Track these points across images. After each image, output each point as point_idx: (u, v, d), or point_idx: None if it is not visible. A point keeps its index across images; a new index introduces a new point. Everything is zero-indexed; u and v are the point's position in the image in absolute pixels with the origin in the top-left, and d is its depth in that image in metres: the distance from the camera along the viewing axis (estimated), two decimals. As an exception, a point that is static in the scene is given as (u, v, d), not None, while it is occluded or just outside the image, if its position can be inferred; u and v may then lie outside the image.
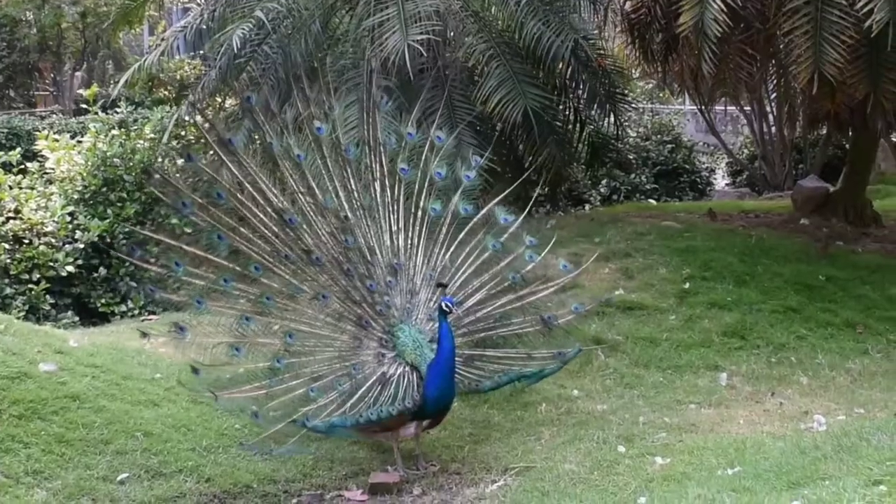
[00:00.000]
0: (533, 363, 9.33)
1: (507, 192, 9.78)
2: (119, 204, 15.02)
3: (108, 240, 14.58)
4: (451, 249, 9.16)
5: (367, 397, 8.45)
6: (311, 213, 8.89)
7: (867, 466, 6.15)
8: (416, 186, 9.21)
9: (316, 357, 8.73)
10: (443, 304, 8.37)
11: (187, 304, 9.08)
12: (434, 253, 9.11)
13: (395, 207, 9.12)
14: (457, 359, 8.64)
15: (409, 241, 9.07)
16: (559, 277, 9.54)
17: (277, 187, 8.96)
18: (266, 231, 8.85)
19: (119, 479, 8.19)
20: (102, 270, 14.51)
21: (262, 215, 8.84)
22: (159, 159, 16.00)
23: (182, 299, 9.15)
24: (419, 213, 9.16)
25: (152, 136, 16.51)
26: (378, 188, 9.11)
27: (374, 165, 9.17)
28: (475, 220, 9.29)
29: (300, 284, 8.87)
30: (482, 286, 9.17)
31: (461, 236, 9.21)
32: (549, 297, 9.41)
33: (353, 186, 9.03)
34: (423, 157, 9.33)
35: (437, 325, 8.55)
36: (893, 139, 23.49)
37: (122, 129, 16.70)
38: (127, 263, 14.45)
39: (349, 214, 8.92)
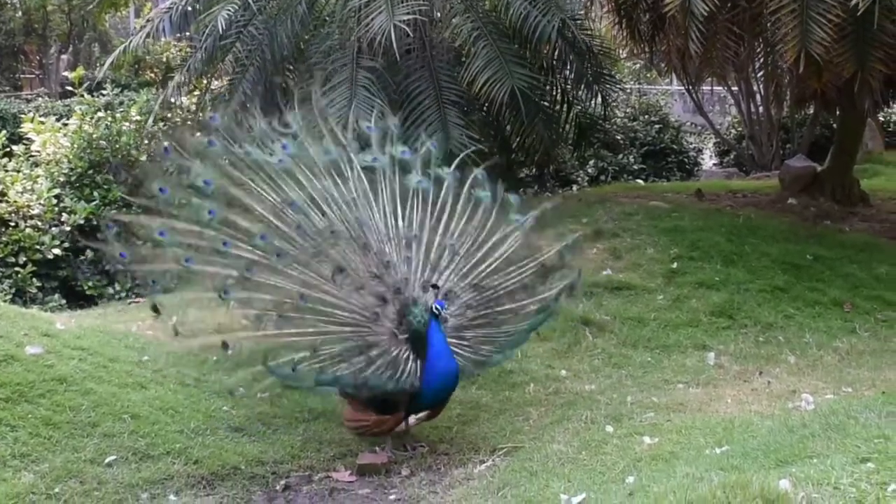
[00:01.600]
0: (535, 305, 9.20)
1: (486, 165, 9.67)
2: (105, 186, 14.98)
3: (95, 222, 14.52)
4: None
5: (374, 364, 8.39)
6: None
7: (855, 444, 6.16)
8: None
9: (332, 317, 8.56)
10: (433, 307, 8.28)
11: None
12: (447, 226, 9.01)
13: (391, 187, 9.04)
14: (467, 340, 8.72)
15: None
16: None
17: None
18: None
19: (106, 461, 8.15)
20: (89, 253, 14.45)
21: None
22: (145, 141, 15.96)
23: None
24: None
25: (138, 118, 16.46)
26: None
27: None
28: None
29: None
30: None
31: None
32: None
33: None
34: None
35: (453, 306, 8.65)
36: (880, 118, 23.57)
37: (108, 112, 16.65)
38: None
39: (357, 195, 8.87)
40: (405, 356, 8.47)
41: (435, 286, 8.54)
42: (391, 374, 8.40)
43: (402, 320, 8.55)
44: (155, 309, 9.05)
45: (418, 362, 8.44)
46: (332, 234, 8.67)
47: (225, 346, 8.54)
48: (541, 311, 9.18)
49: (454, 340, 8.59)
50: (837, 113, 18.63)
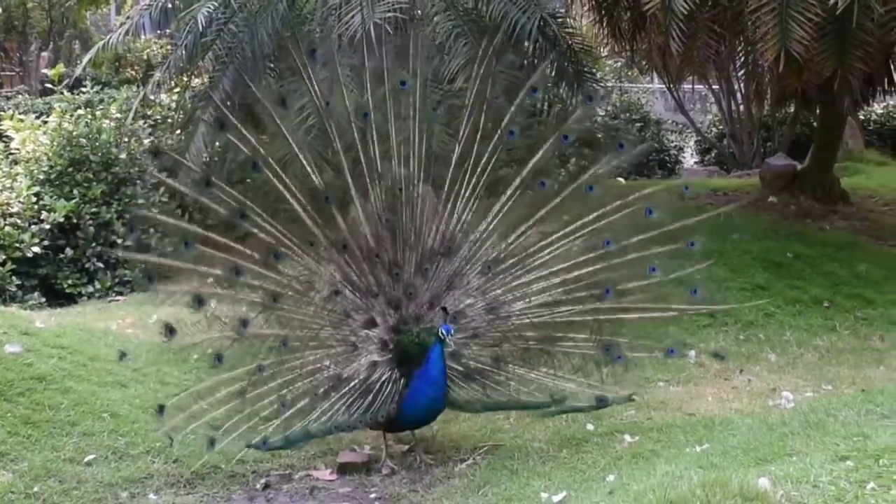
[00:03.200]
0: (557, 395, 8.55)
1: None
2: (85, 184, 14.90)
3: (75, 220, 14.46)
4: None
5: (338, 406, 8.15)
6: (353, 189, 8.25)
7: (834, 442, 6.16)
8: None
9: (303, 360, 8.26)
10: (440, 332, 7.90)
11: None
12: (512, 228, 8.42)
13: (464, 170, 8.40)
14: (457, 372, 8.33)
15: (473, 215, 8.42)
16: (682, 303, 8.74)
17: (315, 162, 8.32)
18: (300, 211, 8.23)
19: (86, 460, 8.15)
20: (69, 251, 14.39)
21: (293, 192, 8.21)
22: (125, 139, 15.91)
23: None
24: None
25: (118, 115, 16.40)
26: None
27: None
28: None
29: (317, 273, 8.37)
30: (557, 284, 8.39)
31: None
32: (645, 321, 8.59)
33: (423, 152, 8.36)
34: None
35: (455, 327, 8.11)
36: (860, 116, 23.63)
37: (88, 109, 16.58)
38: (94, 244, 14.37)
39: (403, 185, 8.31)
40: (384, 378, 8.26)
41: (444, 309, 8.19)
42: (363, 403, 8.19)
43: (392, 337, 8.32)
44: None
45: (401, 381, 8.24)
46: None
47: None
48: (552, 401, 8.55)
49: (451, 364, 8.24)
50: (817, 111, 18.69)
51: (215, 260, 8.18)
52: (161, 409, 8.17)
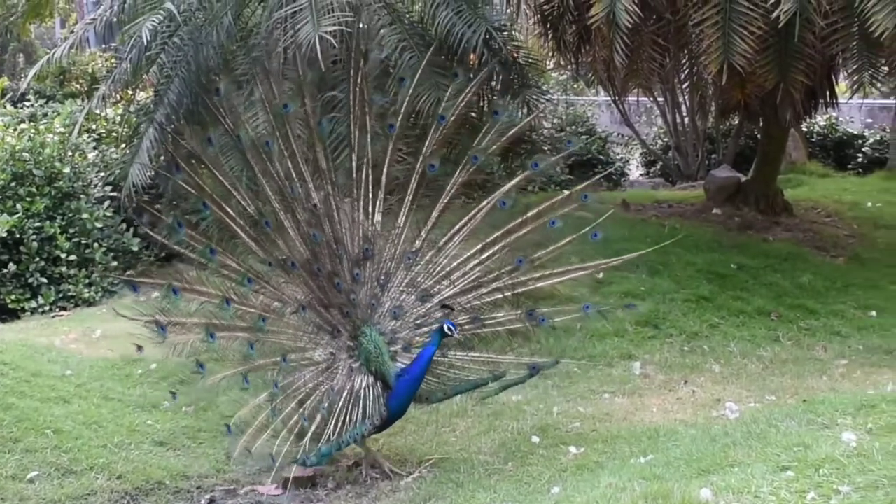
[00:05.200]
0: (497, 370, 8.86)
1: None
2: (28, 199, 14.74)
3: (18, 235, 14.32)
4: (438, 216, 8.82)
5: (343, 419, 8.22)
6: (281, 212, 8.57)
7: (775, 453, 6.22)
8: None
9: (304, 378, 8.43)
10: (445, 328, 8.11)
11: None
12: (416, 225, 8.76)
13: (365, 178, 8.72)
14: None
15: (384, 217, 8.73)
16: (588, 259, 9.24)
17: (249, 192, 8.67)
18: (248, 240, 8.60)
19: (28, 477, 8.07)
20: (12, 266, 14.23)
21: (239, 223, 8.57)
22: (69, 153, 15.79)
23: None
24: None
25: (62, 130, 16.28)
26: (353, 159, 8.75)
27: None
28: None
29: (282, 295, 8.62)
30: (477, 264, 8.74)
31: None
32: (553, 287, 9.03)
33: (326, 165, 8.68)
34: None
35: (398, 322, 8.52)
36: (804, 128, 23.83)
37: (32, 123, 16.45)
38: (37, 259, 14.23)
39: (317, 202, 8.54)
40: (365, 384, 8.33)
41: (448, 307, 8.42)
42: (357, 413, 8.25)
43: (355, 344, 8.47)
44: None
45: (378, 384, 8.33)
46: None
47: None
48: (494, 378, 8.82)
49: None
50: (761, 123, 18.83)
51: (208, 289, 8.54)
52: (228, 428, 8.43)
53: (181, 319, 8.47)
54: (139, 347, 8.70)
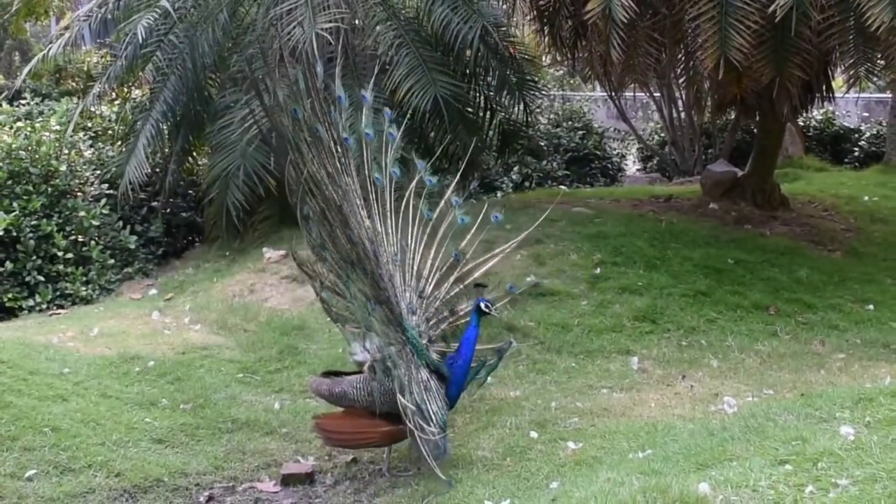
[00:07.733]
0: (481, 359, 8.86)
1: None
2: (25, 197, 14.76)
3: (15, 233, 14.31)
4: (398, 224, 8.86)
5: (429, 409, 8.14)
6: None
7: (773, 447, 6.21)
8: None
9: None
10: (482, 305, 8.26)
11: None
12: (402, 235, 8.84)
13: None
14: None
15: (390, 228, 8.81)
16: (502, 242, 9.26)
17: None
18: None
19: (27, 475, 8.05)
20: (9, 265, 14.24)
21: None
22: (65, 151, 15.80)
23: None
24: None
25: (58, 128, 16.27)
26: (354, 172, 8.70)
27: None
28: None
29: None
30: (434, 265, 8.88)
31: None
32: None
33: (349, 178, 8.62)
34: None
35: (414, 318, 8.45)
36: (800, 123, 23.85)
37: (28, 122, 16.44)
38: (34, 257, 14.24)
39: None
40: (426, 376, 8.27)
41: (481, 285, 8.58)
42: (436, 404, 8.19)
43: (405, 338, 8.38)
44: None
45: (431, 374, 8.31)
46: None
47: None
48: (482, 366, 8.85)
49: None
50: (757, 118, 18.80)
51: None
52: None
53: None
54: None
